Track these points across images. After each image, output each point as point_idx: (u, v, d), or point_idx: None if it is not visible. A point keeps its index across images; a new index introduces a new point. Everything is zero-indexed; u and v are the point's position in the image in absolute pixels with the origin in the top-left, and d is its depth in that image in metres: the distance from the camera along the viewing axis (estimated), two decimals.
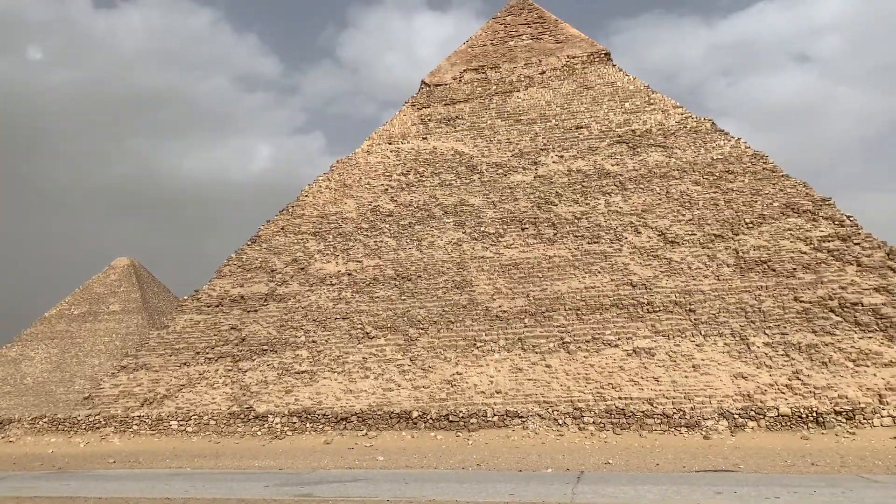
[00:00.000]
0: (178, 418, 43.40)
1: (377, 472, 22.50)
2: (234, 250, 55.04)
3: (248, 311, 50.88)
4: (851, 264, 44.21)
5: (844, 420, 27.67)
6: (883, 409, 27.60)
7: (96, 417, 45.04)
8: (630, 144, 52.93)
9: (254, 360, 47.88)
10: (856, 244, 44.77)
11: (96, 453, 35.15)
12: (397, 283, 49.17)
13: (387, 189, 55.17)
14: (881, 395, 38.93)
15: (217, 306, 52.02)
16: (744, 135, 55.39)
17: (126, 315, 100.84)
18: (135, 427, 43.35)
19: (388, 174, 56.29)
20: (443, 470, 23.24)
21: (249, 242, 55.56)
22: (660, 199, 49.71)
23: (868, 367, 41.11)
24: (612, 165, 52.44)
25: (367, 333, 46.91)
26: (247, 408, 43.65)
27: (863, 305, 42.74)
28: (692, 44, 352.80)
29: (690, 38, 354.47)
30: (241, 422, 41.62)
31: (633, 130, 53.60)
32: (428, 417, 38.40)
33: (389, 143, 58.74)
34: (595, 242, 48.63)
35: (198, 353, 49.70)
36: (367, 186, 55.91)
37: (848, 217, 46.08)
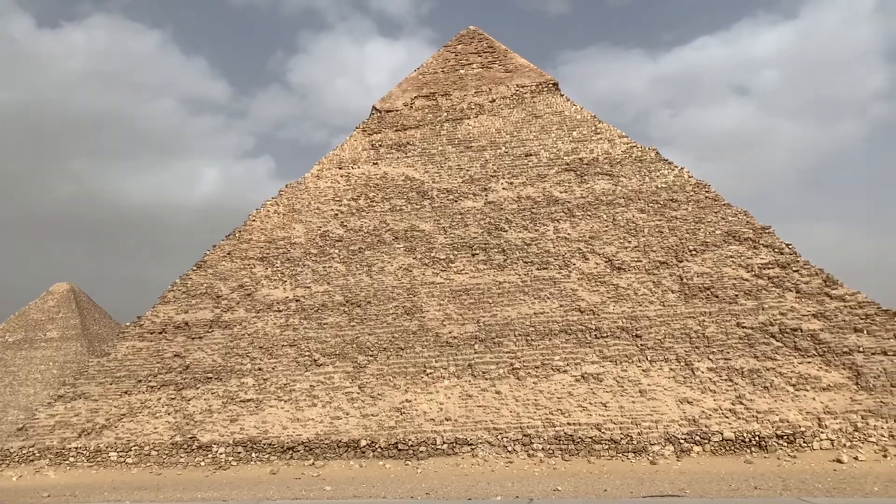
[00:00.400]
0: (118, 449, 41.95)
1: (325, 503, 22.07)
2: (179, 276, 53.84)
3: (193, 338, 49.72)
4: (791, 291, 45.50)
5: (786, 444, 28.29)
6: (822, 433, 28.30)
7: (30, 449, 43.22)
8: (578, 172, 53.80)
9: (198, 389, 46.69)
10: (794, 271, 46.17)
11: (30, 487, 33.69)
12: (346, 309, 48.74)
13: (337, 214, 54.87)
14: (820, 419, 39.96)
15: (160, 333, 50.71)
16: (687, 164, 57.05)
17: (64, 342, 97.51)
18: (71, 459, 41.72)
19: (338, 199, 56.01)
20: (391, 499, 22.93)
21: (195, 268, 54.45)
22: (607, 227, 50.51)
23: (808, 391, 42.19)
24: (561, 193, 53.15)
25: (315, 361, 46.27)
26: (190, 437, 42.46)
27: (802, 331, 43.95)
28: (637, 76, 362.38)
29: (635, 71, 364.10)
30: (183, 452, 40.43)
31: (580, 159, 54.52)
32: (377, 446, 37.94)
33: (340, 168, 58.55)
34: (544, 268, 49.05)
35: (139, 381, 48.26)
36: (317, 211, 55.51)
37: (787, 245, 47.53)
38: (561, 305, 46.88)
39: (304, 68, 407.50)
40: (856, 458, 27.56)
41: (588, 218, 51.42)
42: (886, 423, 36.01)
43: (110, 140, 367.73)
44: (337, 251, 52.32)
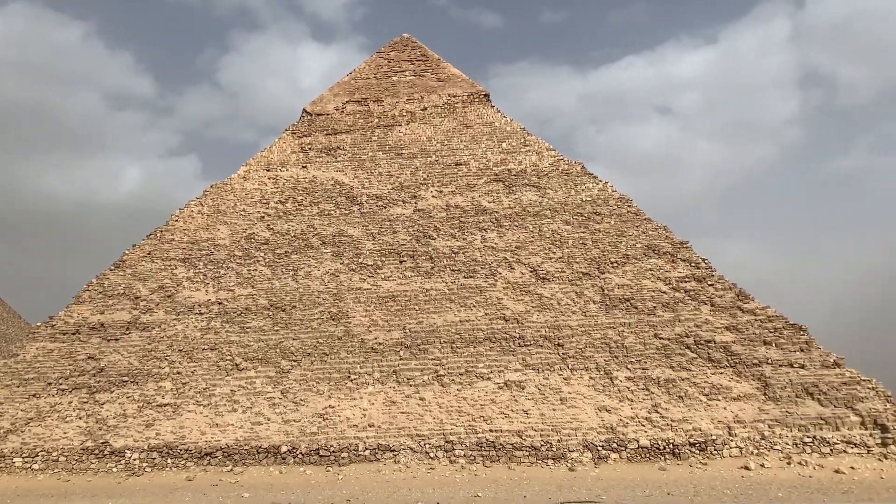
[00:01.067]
0: (24, 455, 40.07)
1: None
2: (96, 275, 51.90)
3: (108, 340, 47.97)
4: (706, 304, 47.25)
5: (697, 451, 29.38)
6: (731, 441, 29.53)
7: None
8: (506, 183, 54.57)
9: (112, 392, 45.06)
10: (710, 285, 47.98)
11: None
12: (271, 313, 47.98)
13: (263, 217, 54.00)
14: (730, 428, 41.58)
15: (74, 334, 48.72)
16: (611, 179, 58.67)
17: None
18: None
19: (264, 201, 55.15)
20: None
21: (112, 267, 52.58)
22: (533, 237, 51.33)
23: (719, 400, 43.85)
24: (489, 202, 53.75)
25: (237, 365, 45.34)
26: (102, 443, 40.92)
27: (715, 343, 45.68)
28: (565, 91, 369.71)
29: (564, 86, 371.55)
30: (94, 458, 38.95)
31: (509, 170, 55.30)
32: (297, 452, 37.45)
33: (268, 170, 57.68)
34: (471, 277, 49.43)
35: (49, 383, 46.21)
36: (243, 213, 54.50)
37: (703, 260, 49.36)
38: (486, 314, 47.34)
39: (234, 68, 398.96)
40: (762, 466, 28.85)
41: (515, 228, 52.13)
42: (791, 431, 37.81)
43: (27, 133, 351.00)
44: (262, 254, 51.48)
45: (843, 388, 42.99)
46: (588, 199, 53.76)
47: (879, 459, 28.17)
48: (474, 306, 48.08)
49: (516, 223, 52.51)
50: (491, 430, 40.81)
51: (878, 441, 28.66)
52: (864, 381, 42.92)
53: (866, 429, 39.76)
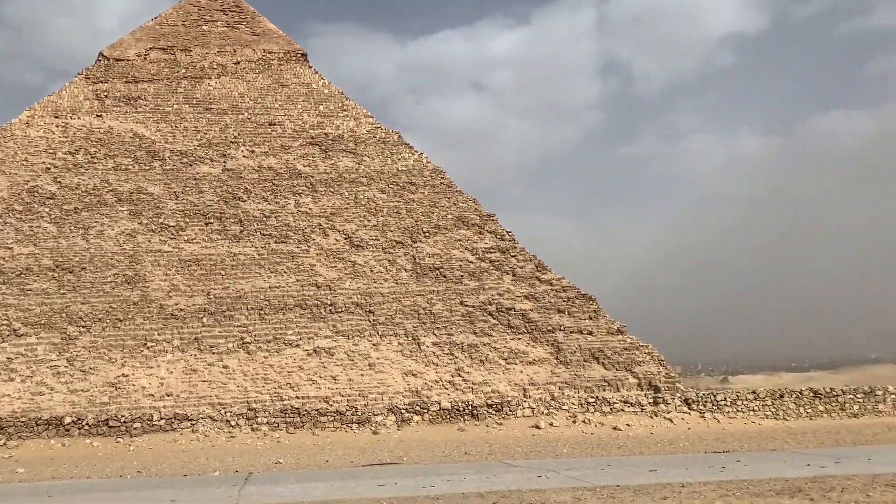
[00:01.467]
0: None
1: (14, 486, 19.80)
2: None
3: None
4: (508, 274, 49.65)
5: (494, 412, 30.96)
6: (525, 402, 31.46)
7: None
8: (322, 147, 53.65)
9: None
10: (512, 256, 50.44)
11: None
12: (56, 274, 43.89)
13: (49, 168, 49.01)
14: (525, 390, 44.27)
15: None
16: (426, 150, 59.59)
17: None
18: None
19: (51, 151, 50.03)
20: (97, 479, 21.24)
21: None
22: (348, 204, 51.06)
23: (517, 364, 46.48)
24: (304, 166, 52.65)
25: (15, 330, 41.14)
26: None
27: (515, 310, 48.22)
28: (384, 59, 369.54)
29: (383, 54, 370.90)
30: None
31: (326, 134, 54.35)
32: (83, 423, 34.80)
33: (56, 117, 52.30)
34: (283, 242, 48.37)
35: None
36: (25, 163, 49.12)
37: (508, 232, 51.74)
38: (298, 280, 46.61)
39: (21, 0, 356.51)
40: (551, 424, 31.00)
41: (330, 194, 51.54)
42: (578, 393, 40.95)
43: None
44: (48, 210, 46.82)
45: (624, 353, 47.17)
46: (404, 168, 54.21)
47: (651, 417, 31.32)
48: (285, 272, 47.12)
49: (332, 189, 51.88)
50: (297, 397, 40.41)
51: (651, 401, 31.88)
52: (642, 346, 47.39)
53: (642, 390, 44.02)
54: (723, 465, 19.02)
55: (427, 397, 40.87)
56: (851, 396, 33.76)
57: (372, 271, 48.99)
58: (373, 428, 30.24)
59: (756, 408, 32.34)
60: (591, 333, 48.13)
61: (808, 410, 32.92)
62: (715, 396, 33.29)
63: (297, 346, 43.75)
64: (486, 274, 49.78)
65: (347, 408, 35.01)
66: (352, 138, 54.33)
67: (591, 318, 48.81)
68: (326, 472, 20.63)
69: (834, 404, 33.35)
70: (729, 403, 32.61)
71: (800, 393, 33.90)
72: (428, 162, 54.72)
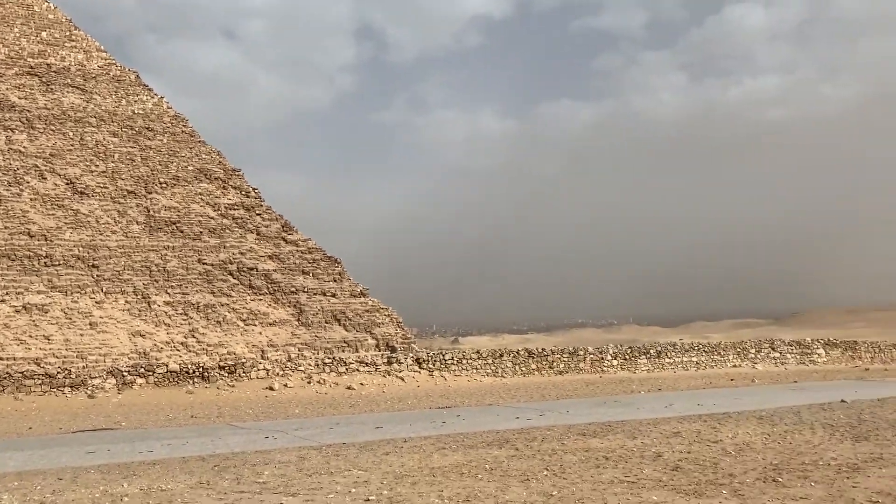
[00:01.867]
0: None
1: None
2: None
3: None
4: (252, 232, 48.28)
5: (227, 374, 30.11)
6: (260, 364, 30.98)
7: None
8: (44, 79, 47.76)
9: None
10: (257, 215, 49.09)
11: None
12: None
13: None
14: (264, 351, 43.62)
15: None
16: (167, 95, 55.24)
17: None
18: None
19: None
20: None
21: None
22: (72, 146, 46.18)
23: (256, 326, 45.59)
24: (20, 98, 46.60)
25: None
26: None
27: (258, 270, 47.12)
28: None
29: None
30: None
31: (48, 64, 48.38)
32: None
33: None
34: None
35: None
36: None
37: (253, 189, 50.17)
38: (6, 227, 41.50)
39: None
40: (286, 386, 30.88)
41: (51, 133, 46.20)
42: (317, 354, 41.25)
43: None
44: None
45: (365, 315, 48.34)
46: (141, 112, 50.05)
47: (384, 376, 32.53)
48: None
49: (53, 127, 46.50)
50: (1, 359, 36.12)
51: (385, 361, 33.12)
52: (383, 309, 48.91)
53: (379, 350, 45.52)
54: (444, 420, 20.31)
55: (157, 359, 38.63)
56: (558, 356, 37.87)
57: (98, 222, 44.94)
58: (89, 392, 27.91)
59: (479, 366, 35.03)
60: (334, 295, 48.58)
61: (523, 368, 36.36)
62: (443, 356, 35.48)
63: (3, 301, 39.14)
64: (227, 231, 47.95)
65: (59, 370, 31.89)
66: (80, 73, 48.92)
67: (335, 281, 49.25)
68: (28, 440, 18.65)
69: (544, 363, 37.17)
70: (455, 363, 34.94)
71: (516, 353, 37.30)
72: (169, 107, 51.08)
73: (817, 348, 47.00)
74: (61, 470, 13.36)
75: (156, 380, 29.06)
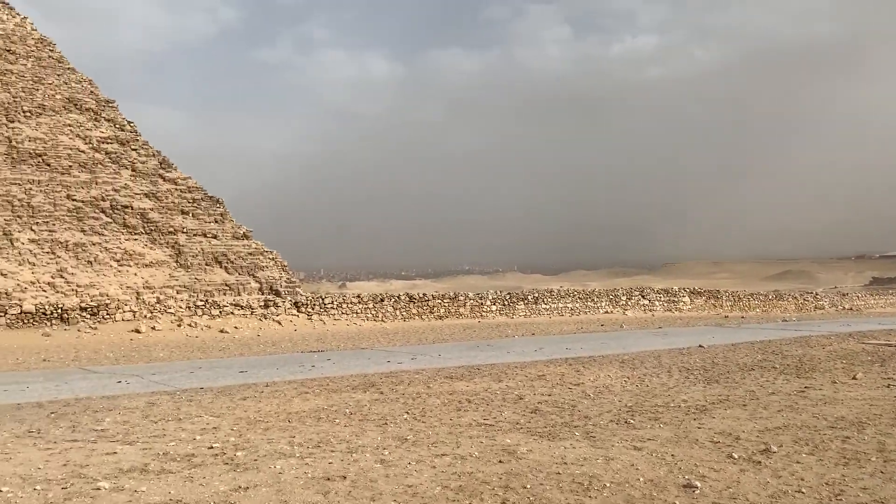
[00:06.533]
0: None
1: None
2: None
3: None
4: (127, 168, 45.59)
5: (89, 316, 28.46)
6: (126, 306, 29.44)
7: None
8: None
9: None
10: (133, 150, 46.32)
11: None
12: None
13: None
14: (138, 293, 41.66)
15: None
16: (33, 18, 50.54)
17: None
18: None
19: None
20: None
21: None
22: None
23: (131, 266, 43.40)
24: None
25: None
26: None
27: (133, 209, 44.68)
28: None
29: None
30: None
31: None
32: None
33: None
34: None
35: None
36: None
37: (129, 123, 47.21)
38: None
39: None
40: (153, 328, 29.53)
41: None
42: (194, 297, 39.74)
43: None
44: None
45: (248, 257, 46.93)
46: (1, 32, 45.78)
47: (260, 319, 31.66)
48: None
49: None
50: None
51: (262, 304, 32.22)
52: (267, 252, 47.63)
53: (262, 294, 44.40)
54: (314, 364, 19.88)
55: (20, 300, 36.16)
56: (439, 301, 38.04)
57: None
58: None
59: (359, 311, 34.68)
60: (215, 237, 46.82)
61: (404, 313, 36.31)
62: (323, 300, 34.90)
63: None
64: (100, 166, 45.09)
65: None
66: None
67: (216, 222, 47.44)
68: None
69: (425, 308, 37.25)
70: (335, 307, 34.42)
71: (397, 297, 37.17)
72: (34, 29, 46.99)
73: (683, 296, 49.46)
74: None
75: (8, 321, 27.05)
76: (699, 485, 8.24)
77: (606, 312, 44.73)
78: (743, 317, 45.89)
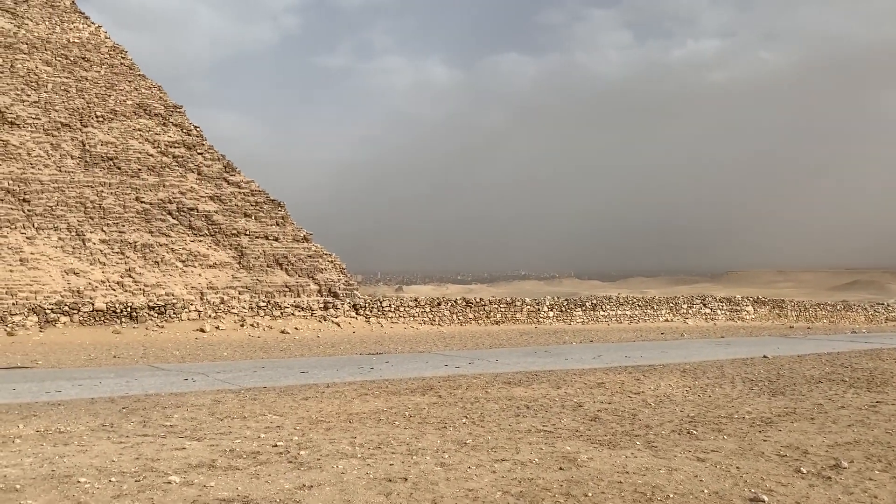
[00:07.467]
0: None
1: None
2: None
3: None
4: (193, 172, 46.95)
5: (157, 315, 29.47)
6: (192, 305, 30.42)
7: None
8: None
9: None
10: (199, 154, 47.70)
11: None
12: None
13: None
14: (202, 294, 42.83)
15: None
16: (106, 26, 52.62)
17: None
18: None
19: None
20: None
21: None
22: (2, 73, 44.01)
23: (195, 267, 44.65)
24: None
25: None
26: None
27: (198, 211, 45.97)
28: None
29: None
30: None
31: None
32: None
33: None
34: None
35: None
36: None
37: (195, 127, 48.65)
38: None
39: None
40: (217, 328, 30.31)
41: None
42: (255, 297, 40.64)
43: None
44: None
45: (308, 260, 47.78)
46: (76, 40, 47.77)
47: (320, 321, 32.22)
48: None
49: None
50: None
51: (321, 306, 32.85)
52: (326, 254, 48.40)
53: (321, 296, 45.10)
54: (372, 366, 20.10)
55: (91, 298, 37.57)
56: (496, 306, 37.99)
57: (30, 154, 43.20)
58: (8, 329, 26.98)
59: (416, 314, 34.94)
60: (276, 239, 47.84)
61: (460, 317, 36.39)
62: (380, 303, 35.28)
63: None
64: (167, 170, 46.55)
65: None
66: None
67: (278, 225, 48.47)
68: None
69: (481, 312, 37.24)
70: (393, 310, 34.76)
71: (454, 302, 37.26)
72: (107, 37, 48.90)
73: (746, 305, 48.17)
74: None
75: (81, 318, 28.27)
76: (766, 499, 8.05)
77: (666, 321, 43.94)
78: (809, 328, 44.49)
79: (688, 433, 11.57)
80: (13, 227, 41.09)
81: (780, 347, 26.78)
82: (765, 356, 22.82)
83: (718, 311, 46.68)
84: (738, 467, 9.44)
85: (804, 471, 9.27)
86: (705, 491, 8.35)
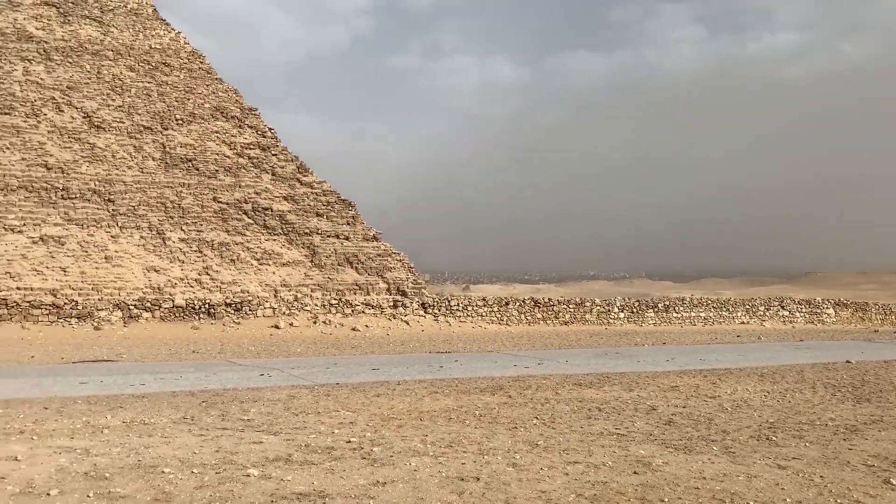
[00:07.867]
0: None
1: None
2: None
3: None
4: (267, 172, 48.10)
5: (233, 311, 30.28)
6: (266, 302, 31.20)
7: None
8: (61, 10, 47.38)
9: None
10: (273, 155, 48.83)
11: None
12: None
13: None
14: (276, 291, 43.85)
15: None
16: (184, 31, 54.44)
17: None
18: None
19: None
20: None
21: None
22: (89, 79, 45.99)
23: (270, 265, 45.76)
24: (38, 29, 46.32)
25: None
26: None
27: (272, 211, 47.07)
28: None
29: None
30: None
31: None
32: None
33: None
34: (7, 114, 42.78)
35: None
36: None
37: (270, 129, 49.81)
38: (24, 159, 41.77)
39: None
40: (291, 325, 30.99)
41: (68, 65, 46.00)
42: (326, 295, 41.37)
43: None
44: None
45: (377, 259, 48.31)
46: (157, 46, 49.55)
47: (389, 319, 32.59)
48: (8, 149, 41.96)
49: (70, 59, 46.27)
50: (18, 289, 36.62)
51: (391, 304, 33.17)
52: (395, 253, 48.84)
53: (390, 294, 45.57)
54: (441, 364, 20.20)
55: (171, 294, 38.97)
56: (565, 306, 37.61)
57: (114, 156, 44.99)
58: (95, 324, 28.23)
59: (484, 313, 34.92)
60: (347, 238, 48.53)
61: (528, 317, 36.20)
62: (449, 302, 35.40)
63: (21, 232, 39.61)
64: (243, 170, 47.79)
65: (66, 301, 32.20)
66: (97, 4, 48.42)
67: (348, 224, 49.16)
68: (26, 368, 18.82)
69: (550, 313, 36.96)
70: (461, 309, 34.84)
71: (522, 301, 37.08)
72: (186, 43, 50.53)
73: (827, 308, 46.34)
74: (49, 399, 13.39)
75: (162, 314, 29.33)
76: None
77: (742, 323, 42.68)
78: (895, 332, 42.52)
79: (767, 439, 11.22)
80: (99, 226, 42.88)
81: (865, 352, 25.66)
82: (848, 361, 21.91)
83: (797, 314, 45.07)
84: (821, 476, 9.09)
85: (894, 482, 8.86)
86: (787, 500, 8.08)
